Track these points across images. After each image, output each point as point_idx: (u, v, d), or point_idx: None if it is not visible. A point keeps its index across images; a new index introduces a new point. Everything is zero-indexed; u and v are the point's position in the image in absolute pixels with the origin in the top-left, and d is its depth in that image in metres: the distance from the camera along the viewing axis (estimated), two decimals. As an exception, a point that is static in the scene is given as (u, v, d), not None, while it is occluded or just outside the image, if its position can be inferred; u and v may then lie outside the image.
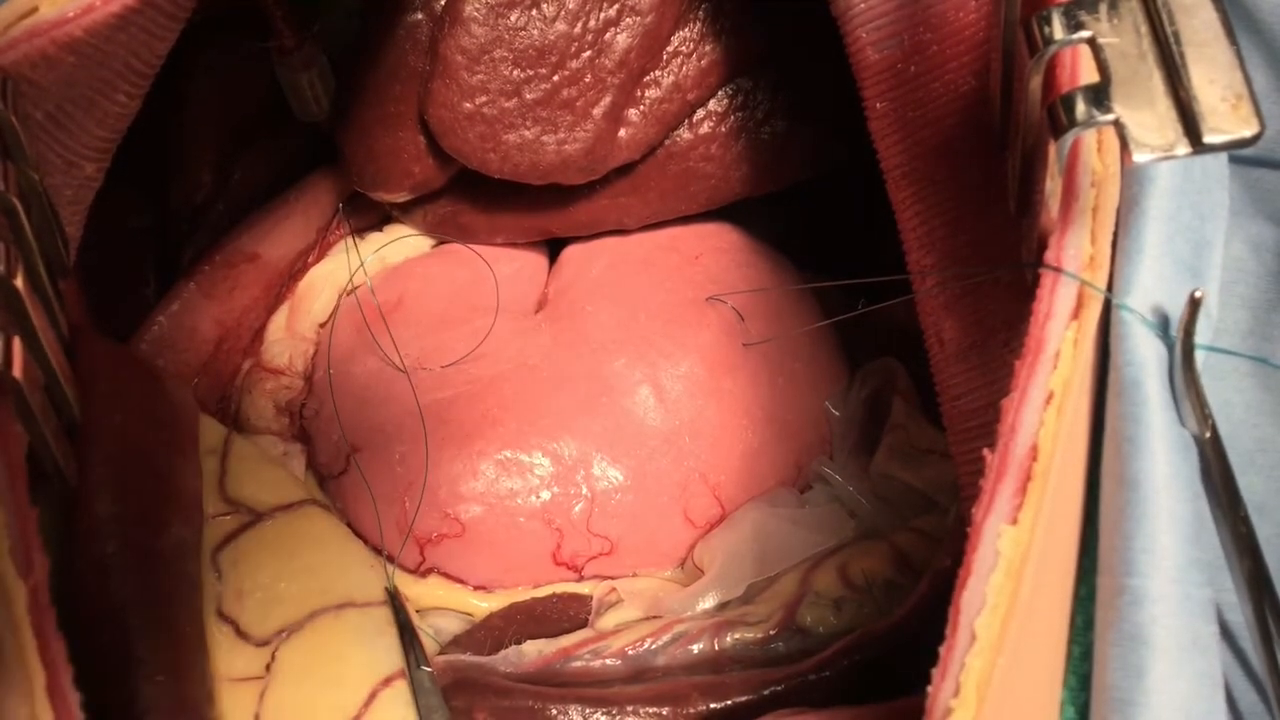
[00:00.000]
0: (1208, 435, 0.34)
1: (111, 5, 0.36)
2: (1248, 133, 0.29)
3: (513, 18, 0.54)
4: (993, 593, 0.30)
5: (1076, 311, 0.33)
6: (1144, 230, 0.36)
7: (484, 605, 0.52)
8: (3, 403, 0.34)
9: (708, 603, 0.50)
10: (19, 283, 0.36)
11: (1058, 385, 0.32)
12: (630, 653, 0.48)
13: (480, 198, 0.61)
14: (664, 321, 0.57)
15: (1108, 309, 0.35)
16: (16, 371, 0.34)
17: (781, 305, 0.59)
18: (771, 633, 0.48)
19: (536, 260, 0.64)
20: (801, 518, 0.52)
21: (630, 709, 0.45)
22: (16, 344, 0.35)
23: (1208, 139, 0.30)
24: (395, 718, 0.44)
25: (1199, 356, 0.34)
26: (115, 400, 0.44)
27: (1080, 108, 0.31)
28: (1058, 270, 0.33)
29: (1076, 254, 0.34)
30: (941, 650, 0.30)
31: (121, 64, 0.39)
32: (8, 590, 0.31)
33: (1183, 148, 0.30)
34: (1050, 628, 0.34)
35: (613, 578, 0.53)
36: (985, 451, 0.32)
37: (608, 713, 0.45)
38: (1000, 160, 0.40)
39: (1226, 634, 0.37)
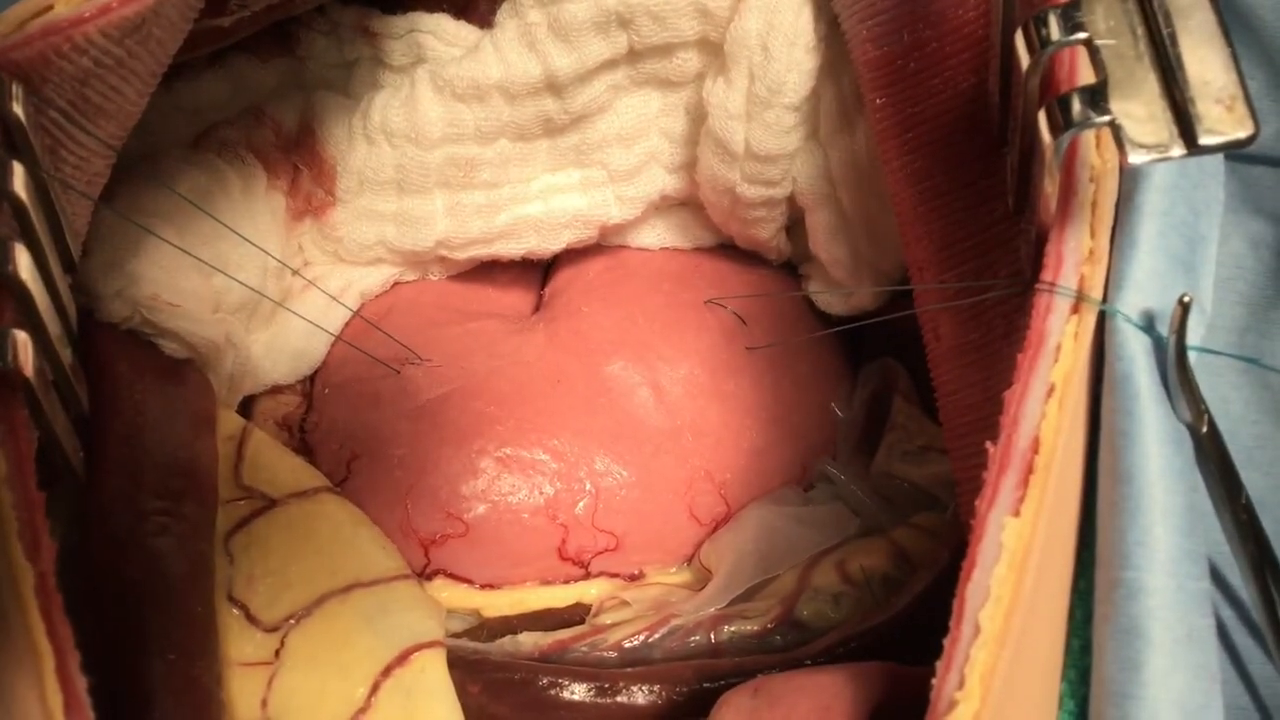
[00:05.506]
0: (1204, 429, 0.34)
1: (127, 8, 0.36)
2: (1243, 134, 0.30)
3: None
4: (996, 584, 0.30)
5: (1076, 305, 0.33)
6: (1138, 226, 0.36)
7: (491, 603, 0.52)
8: (11, 394, 0.34)
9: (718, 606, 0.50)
10: (27, 279, 0.36)
11: (1059, 378, 0.32)
12: (627, 645, 0.48)
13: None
14: (663, 325, 0.56)
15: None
16: (25, 366, 0.35)
17: (785, 308, 0.59)
18: (769, 626, 0.48)
19: (531, 263, 0.63)
20: (805, 516, 0.52)
21: (622, 685, 0.45)
22: (26, 339, 0.35)
23: (1203, 140, 0.30)
24: (395, 709, 0.44)
25: (1191, 355, 0.34)
26: (132, 382, 0.44)
27: (1077, 109, 0.31)
28: (1051, 287, 0.33)
29: (1076, 248, 0.34)
30: (946, 642, 0.30)
31: (134, 64, 0.38)
32: (15, 572, 0.31)
33: (1178, 149, 0.30)
34: (1051, 621, 0.34)
35: (620, 574, 0.53)
36: (987, 444, 0.32)
37: (599, 686, 0.45)
38: (999, 156, 0.40)
39: (1220, 628, 0.37)
